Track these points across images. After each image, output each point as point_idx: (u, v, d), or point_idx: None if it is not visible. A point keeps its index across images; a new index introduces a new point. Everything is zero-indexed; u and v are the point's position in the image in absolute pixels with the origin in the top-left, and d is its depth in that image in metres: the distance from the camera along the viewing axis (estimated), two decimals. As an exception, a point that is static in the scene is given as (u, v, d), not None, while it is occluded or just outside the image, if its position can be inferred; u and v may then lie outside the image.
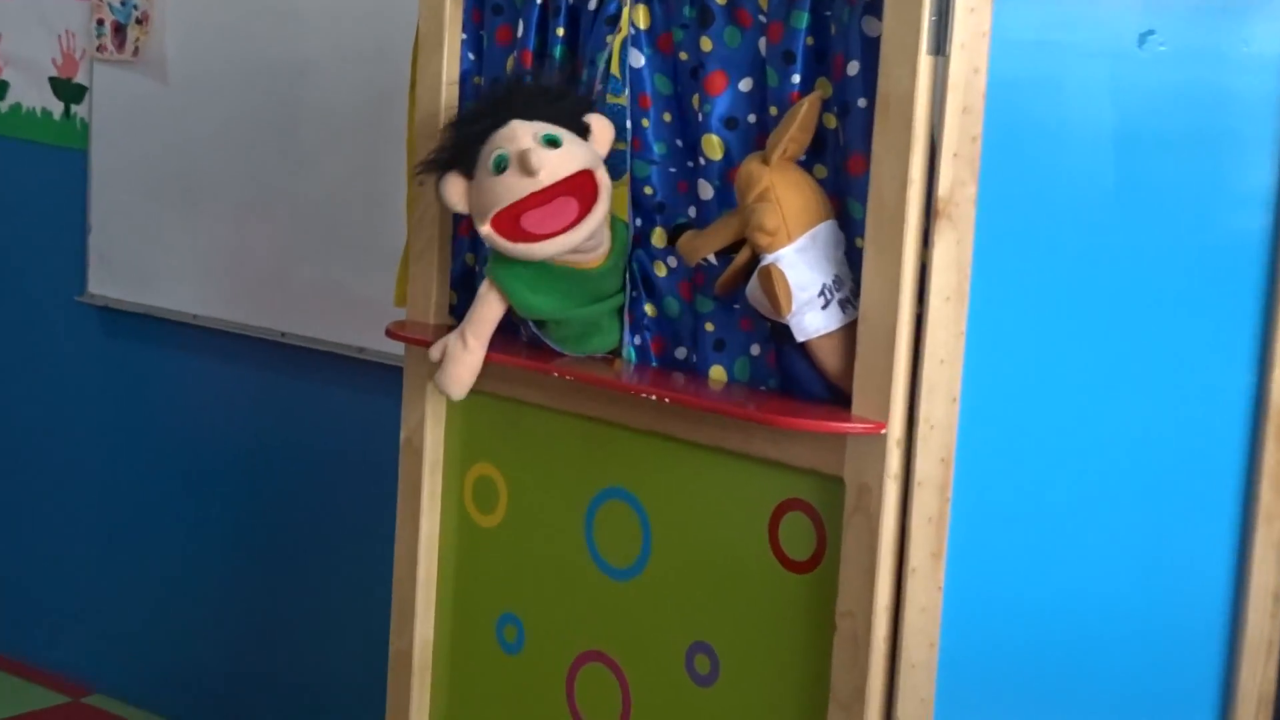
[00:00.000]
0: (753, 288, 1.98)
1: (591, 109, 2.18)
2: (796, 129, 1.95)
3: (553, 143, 2.10)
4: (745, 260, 2.01)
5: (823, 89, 2.01)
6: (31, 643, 4.37)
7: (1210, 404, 1.99)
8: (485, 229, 2.13)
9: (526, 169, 2.07)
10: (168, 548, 4.09)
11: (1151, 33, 1.91)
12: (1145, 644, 2.02)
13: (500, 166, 2.10)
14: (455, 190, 2.16)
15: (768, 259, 1.96)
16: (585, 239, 2.13)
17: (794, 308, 1.94)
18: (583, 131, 2.15)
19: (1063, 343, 1.96)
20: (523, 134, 2.10)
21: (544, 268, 2.17)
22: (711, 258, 2.07)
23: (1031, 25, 1.89)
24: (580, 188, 2.11)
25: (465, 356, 2.23)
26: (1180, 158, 1.95)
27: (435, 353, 2.25)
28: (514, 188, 2.09)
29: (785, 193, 1.96)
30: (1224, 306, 1.98)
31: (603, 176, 2.13)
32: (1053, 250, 1.95)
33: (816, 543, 2.01)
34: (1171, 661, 2.02)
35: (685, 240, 2.08)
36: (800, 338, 1.97)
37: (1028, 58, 1.89)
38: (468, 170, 2.15)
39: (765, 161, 1.97)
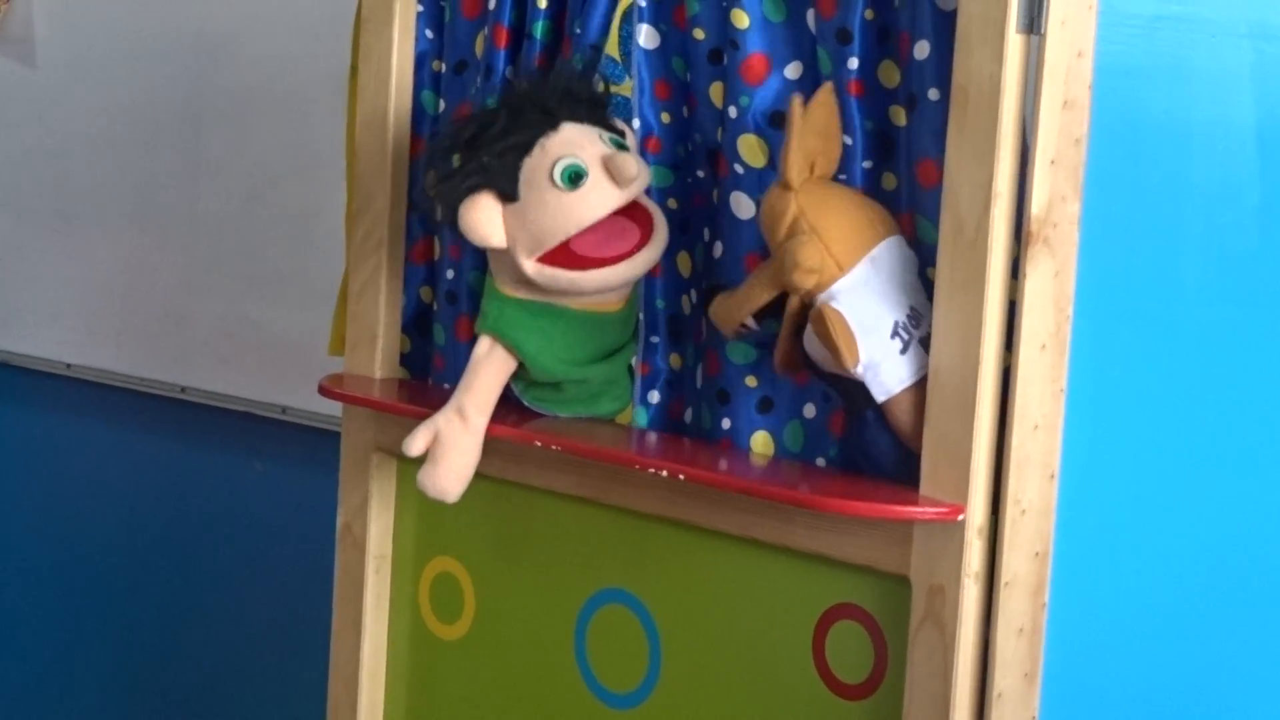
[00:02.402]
0: (810, 341, 1.98)
1: (609, 108, 2.21)
2: (812, 137, 1.95)
3: (621, 148, 2.12)
4: (794, 313, 2.01)
5: (887, 75, 2.02)
6: None
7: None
8: (533, 266, 2.13)
9: (622, 177, 2.08)
10: (32, 655, 4.08)
11: (1305, 2, 1.93)
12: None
13: (574, 178, 2.10)
14: (491, 218, 2.13)
15: (819, 300, 1.96)
16: (653, 263, 2.15)
17: (864, 356, 1.94)
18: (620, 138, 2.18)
19: (1192, 402, 1.96)
20: (586, 139, 2.11)
21: (560, 316, 2.18)
22: (751, 321, 2.06)
23: (1149, -5, 1.90)
24: (630, 206, 2.13)
25: (465, 439, 2.19)
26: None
27: (418, 444, 2.19)
28: (596, 203, 2.10)
29: (820, 217, 1.96)
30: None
31: (642, 195, 2.16)
32: (1177, 283, 1.95)
33: (874, 661, 2.02)
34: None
35: (717, 305, 2.07)
36: (881, 395, 1.96)
37: (1146, 38, 1.90)
38: (509, 191, 2.13)
39: (787, 185, 1.97)
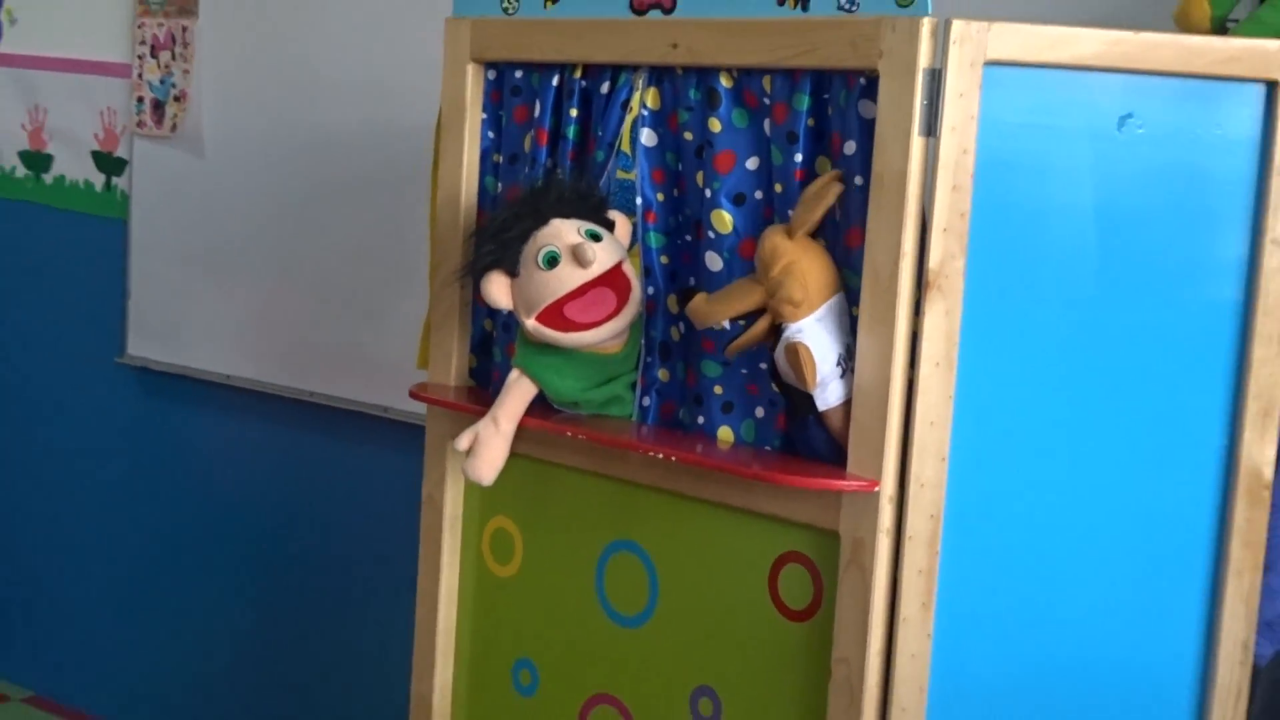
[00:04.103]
0: (780, 360, 1.99)
1: (609, 205, 2.20)
2: (825, 206, 1.96)
3: (595, 237, 2.12)
4: (765, 328, 2.02)
5: (822, 167, 2.02)
6: (61, 682, 4.37)
7: (1185, 465, 1.99)
8: (532, 323, 2.13)
9: (583, 261, 2.09)
10: (200, 596, 4.09)
11: (1130, 116, 1.93)
12: (1123, 691, 2.02)
13: (552, 261, 2.11)
14: (500, 288, 2.15)
15: (790, 329, 1.97)
16: (624, 328, 2.15)
17: (819, 379, 1.95)
18: (609, 226, 2.17)
19: (1047, 407, 1.96)
20: (567, 231, 2.12)
21: (570, 354, 2.17)
22: (726, 323, 2.07)
23: (1017, 109, 1.89)
24: (614, 279, 2.13)
25: (497, 440, 2.21)
26: (1159, 233, 1.96)
27: (464, 442, 2.21)
28: (566, 280, 2.10)
29: (809, 265, 1.96)
30: (1199, 373, 1.98)
31: (629, 267, 2.15)
32: (1037, 319, 1.95)
33: (814, 593, 2.02)
34: (1148, 706, 2.02)
35: (698, 304, 2.06)
36: (822, 407, 1.98)
37: (1014, 139, 1.90)
38: (511, 269, 2.15)
39: (789, 235, 1.98)
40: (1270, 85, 1.94)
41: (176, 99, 3.93)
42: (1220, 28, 2.27)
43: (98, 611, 4.31)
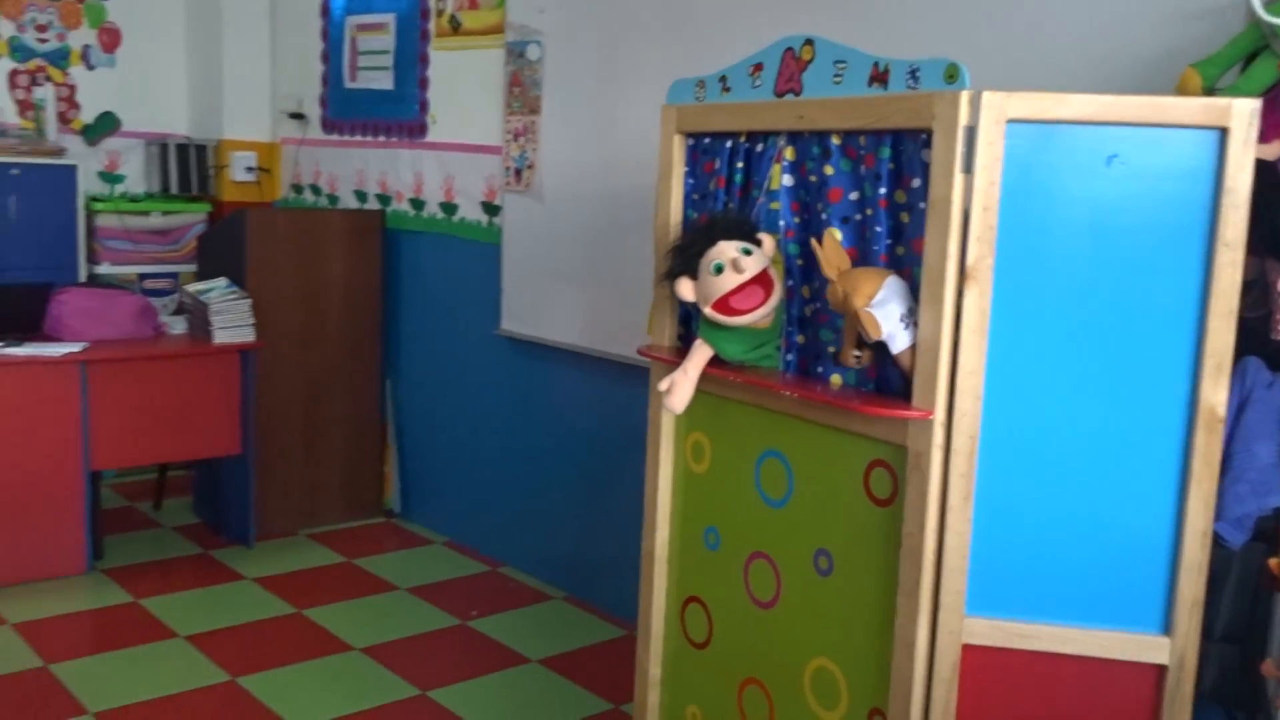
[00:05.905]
0: (859, 325, 1.89)
1: (758, 229, 2.11)
2: (837, 258, 1.90)
3: (747, 252, 2.05)
4: (859, 343, 1.94)
5: (899, 197, 1.90)
6: (471, 537, 4.47)
7: (1161, 403, 1.81)
8: (709, 310, 2.07)
9: (739, 270, 2.01)
10: (548, 475, 4.12)
11: (1115, 155, 1.75)
12: (1115, 563, 1.84)
13: (719, 270, 2.04)
14: (687, 289, 2.09)
15: (865, 309, 1.86)
16: (769, 311, 2.07)
17: (885, 333, 1.84)
18: (757, 243, 2.09)
19: (1053, 361, 1.80)
20: (729, 249, 2.04)
21: (734, 329, 2.10)
22: (856, 353, 1.97)
23: (1030, 152, 1.74)
24: (761, 280, 2.05)
25: (686, 384, 2.15)
26: (1138, 237, 1.77)
27: (664, 385, 2.16)
28: (728, 282, 2.03)
29: (850, 284, 1.88)
30: (1170, 339, 1.79)
31: (773, 271, 2.06)
32: (1045, 299, 1.79)
33: (893, 488, 1.91)
34: (1133, 575, 1.84)
35: (841, 354, 1.99)
36: (895, 351, 1.86)
37: (1027, 173, 1.75)
38: (694, 275, 2.08)
39: (832, 278, 1.91)
40: (1222, 130, 1.72)
41: (529, 167, 3.95)
42: (1210, 93, 2.03)
43: (486, 486, 4.38)
